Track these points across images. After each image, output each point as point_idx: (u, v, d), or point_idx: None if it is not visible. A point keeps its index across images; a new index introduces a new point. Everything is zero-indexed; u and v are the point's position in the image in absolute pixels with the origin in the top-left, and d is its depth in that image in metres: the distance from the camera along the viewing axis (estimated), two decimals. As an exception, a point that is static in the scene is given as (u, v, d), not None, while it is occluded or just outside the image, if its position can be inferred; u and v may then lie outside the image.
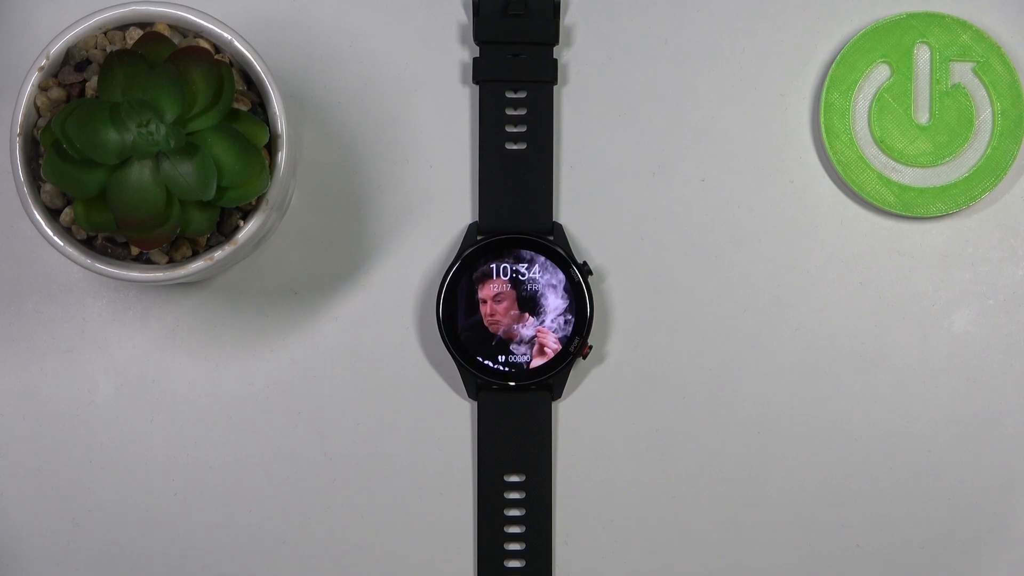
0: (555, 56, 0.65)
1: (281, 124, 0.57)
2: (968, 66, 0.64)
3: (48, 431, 0.64)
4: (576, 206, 0.65)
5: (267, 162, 0.57)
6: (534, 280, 0.63)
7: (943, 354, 0.65)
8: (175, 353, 0.64)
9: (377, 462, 0.64)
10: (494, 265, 0.63)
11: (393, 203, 0.65)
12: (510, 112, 0.64)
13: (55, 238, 0.56)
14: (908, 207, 0.64)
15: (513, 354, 0.63)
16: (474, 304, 0.63)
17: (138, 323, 0.64)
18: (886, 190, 0.64)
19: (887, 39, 0.64)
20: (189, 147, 0.55)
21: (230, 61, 0.58)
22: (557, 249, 0.63)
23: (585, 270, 0.63)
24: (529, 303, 0.63)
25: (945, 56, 0.64)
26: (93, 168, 0.54)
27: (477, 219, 0.64)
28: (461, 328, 0.63)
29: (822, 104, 0.64)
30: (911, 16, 0.64)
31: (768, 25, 0.65)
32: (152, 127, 0.54)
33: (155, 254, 0.57)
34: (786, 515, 0.64)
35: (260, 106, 0.58)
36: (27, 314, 0.64)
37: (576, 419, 0.64)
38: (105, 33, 0.57)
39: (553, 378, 0.63)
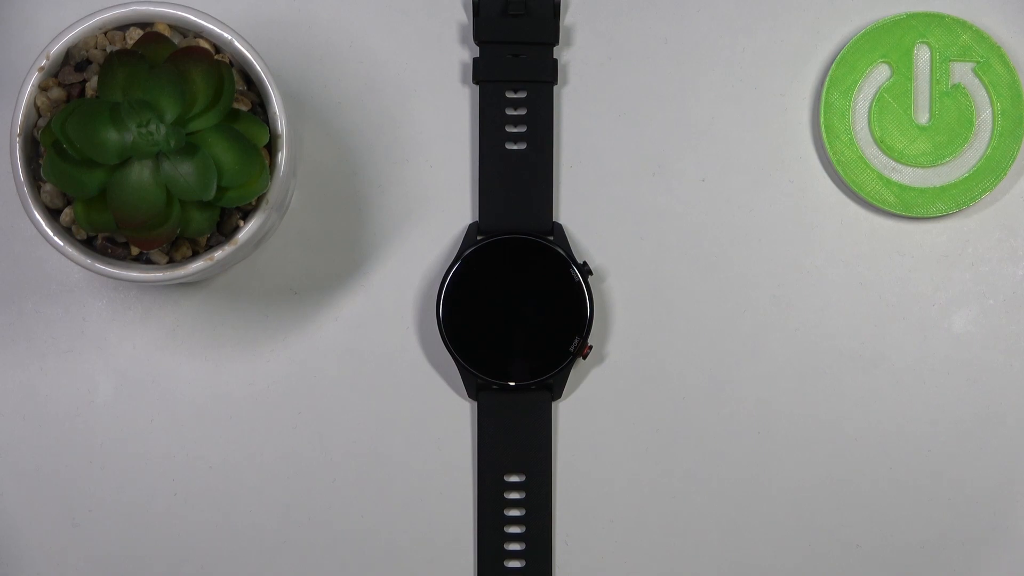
0: (555, 56, 0.65)
1: (281, 124, 0.57)
2: (968, 66, 0.64)
3: (48, 431, 0.64)
4: (576, 206, 0.65)
5: (267, 162, 0.57)
6: (534, 280, 0.63)
7: (943, 354, 0.65)
8: (175, 353, 0.64)
9: (377, 462, 0.64)
10: (494, 265, 0.63)
11: (393, 203, 0.65)
12: (510, 112, 0.64)
13: (55, 238, 0.56)
14: (908, 207, 0.64)
15: (513, 354, 0.63)
16: (474, 304, 0.63)
17: (138, 323, 0.64)
18: (886, 190, 0.64)
19: (887, 39, 0.64)
20: (189, 147, 0.55)
21: (230, 61, 0.58)
22: (557, 249, 0.63)
23: (585, 270, 0.63)
24: (529, 303, 0.63)
25: (945, 56, 0.64)
26: (93, 168, 0.54)
27: (477, 219, 0.64)
28: (461, 328, 0.62)
29: (822, 104, 0.64)
30: (911, 16, 0.64)
31: (768, 25, 0.65)
32: (152, 127, 0.54)
33: (155, 254, 0.57)
34: (786, 515, 0.64)
35: (260, 106, 0.58)
36: (27, 314, 0.64)
37: (576, 419, 0.64)
38: (105, 33, 0.57)
39: (553, 378, 0.63)
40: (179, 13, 0.57)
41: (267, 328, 0.64)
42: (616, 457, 0.64)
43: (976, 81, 0.64)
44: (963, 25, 0.64)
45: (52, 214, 0.57)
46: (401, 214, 0.65)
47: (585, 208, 0.65)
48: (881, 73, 0.65)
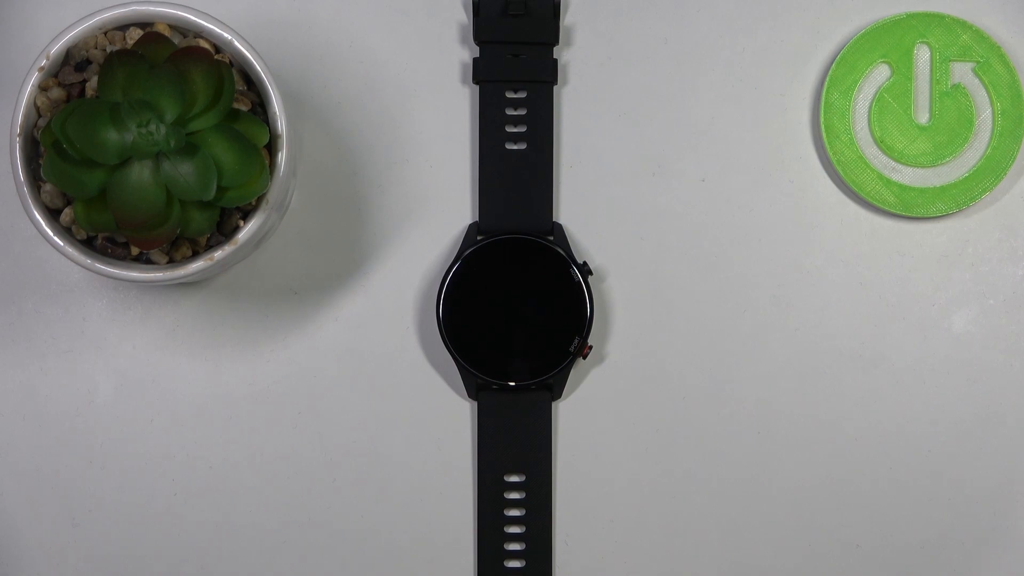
0: (555, 56, 0.65)
1: (281, 124, 0.57)
2: (968, 66, 0.64)
3: (48, 431, 0.64)
4: (576, 206, 0.65)
5: (267, 162, 0.57)
6: (534, 280, 0.63)
7: (943, 354, 0.65)
8: (175, 353, 0.64)
9: (377, 462, 0.64)
10: (494, 265, 0.63)
11: (393, 203, 0.65)
12: (510, 112, 0.64)
13: (55, 238, 0.56)
14: (908, 207, 0.64)
15: (513, 354, 0.63)
16: (474, 304, 0.63)
17: (138, 323, 0.64)
18: (886, 190, 0.64)
19: (887, 39, 0.64)
20: (189, 147, 0.55)
21: (230, 61, 0.58)
22: (557, 249, 0.63)
23: (585, 270, 0.63)
24: (529, 303, 0.63)
25: (945, 56, 0.64)
26: (93, 168, 0.54)
27: (477, 219, 0.64)
28: (461, 328, 0.62)
29: (822, 104, 0.64)
30: (911, 16, 0.64)
31: (768, 25, 0.65)
32: (152, 127, 0.54)
33: (155, 254, 0.57)
34: (786, 515, 0.64)
35: (260, 106, 0.58)
36: (27, 314, 0.64)
37: (576, 419, 0.64)
38: (105, 33, 0.57)
39: (553, 378, 0.63)
40: (179, 13, 0.57)
41: (267, 328, 0.64)
42: (616, 457, 0.64)
43: (976, 81, 0.64)
44: (963, 25, 0.64)
45: (52, 214, 0.57)
46: (401, 214, 0.65)
47: (585, 208, 0.65)
48: (881, 73, 0.65)
